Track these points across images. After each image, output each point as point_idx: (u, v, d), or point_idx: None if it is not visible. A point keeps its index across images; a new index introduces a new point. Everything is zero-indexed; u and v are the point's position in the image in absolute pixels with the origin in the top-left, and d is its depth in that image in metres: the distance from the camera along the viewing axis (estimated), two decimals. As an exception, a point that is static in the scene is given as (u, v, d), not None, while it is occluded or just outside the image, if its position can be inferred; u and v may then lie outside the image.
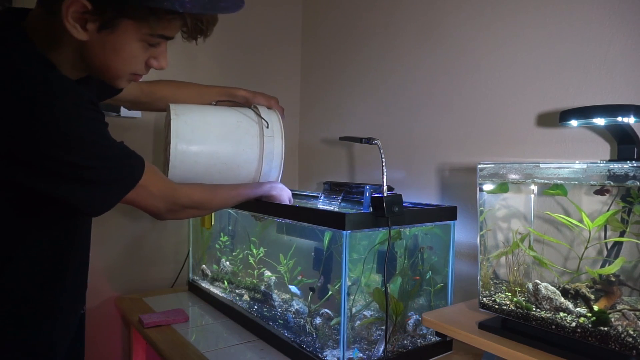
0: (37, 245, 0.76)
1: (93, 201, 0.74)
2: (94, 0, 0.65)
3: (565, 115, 0.94)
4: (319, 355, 1.08)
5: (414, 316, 1.19)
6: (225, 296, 1.54)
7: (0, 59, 0.65)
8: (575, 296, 0.82)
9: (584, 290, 0.81)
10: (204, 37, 0.80)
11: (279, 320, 1.28)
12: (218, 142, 1.21)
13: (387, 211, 1.01)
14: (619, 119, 0.88)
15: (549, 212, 0.91)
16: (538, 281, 0.86)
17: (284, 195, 1.23)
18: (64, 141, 0.66)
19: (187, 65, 1.81)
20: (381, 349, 1.07)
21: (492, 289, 0.96)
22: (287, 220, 1.22)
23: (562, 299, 0.82)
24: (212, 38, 2.09)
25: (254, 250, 1.44)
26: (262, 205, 1.26)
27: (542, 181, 0.90)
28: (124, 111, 1.63)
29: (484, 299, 0.95)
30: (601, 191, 0.84)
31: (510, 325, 0.88)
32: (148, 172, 0.83)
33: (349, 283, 1.08)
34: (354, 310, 1.17)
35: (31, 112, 0.63)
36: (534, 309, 0.85)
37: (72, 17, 0.66)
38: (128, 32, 0.70)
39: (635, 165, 0.75)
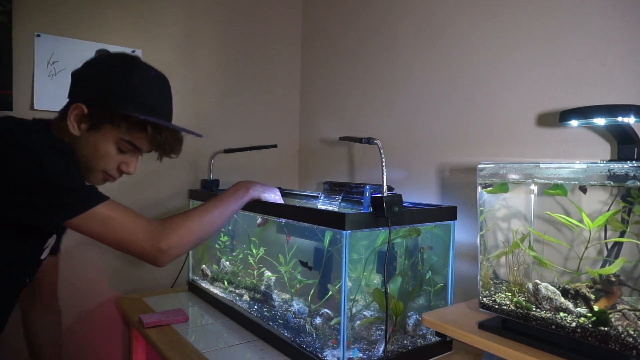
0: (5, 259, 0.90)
1: (51, 211, 0.82)
2: (90, 107, 0.90)
3: (565, 115, 0.94)
4: (319, 355, 1.08)
5: (414, 316, 1.19)
6: (225, 296, 1.54)
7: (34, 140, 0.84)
8: (575, 296, 0.82)
9: (584, 290, 0.81)
10: (168, 155, 1.00)
11: (279, 320, 1.28)
12: None
13: (387, 211, 1.00)
14: (619, 119, 0.88)
15: (549, 212, 0.91)
16: (538, 281, 0.86)
17: (269, 192, 1.21)
18: (34, 166, 0.80)
19: (187, 66, 1.81)
20: (381, 349, 1.07)
21: (492, 289, 0.96)
22: (288, 220, 1.22)
23: (562, 299, 0.82)
24: (212, 39, 2.10)
25: (254, 250, 1.44)
26: (262, 206, 1.26)
27: (542, 181, 0.90)
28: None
29: (484, 299, 0.95)
30: (583, 188, 0.85)
31: (510, 325, 0.88)
32: (115, 204, 0.87)
33: (350, 284, 1.08)
34: (354, 310, 1.17)
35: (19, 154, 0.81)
36: (534, 309, 0.85)
37: (73, 118, 0.91)
38: (107, 134, 0.92)
39: (635, 165, 0.75)
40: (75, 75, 0.96)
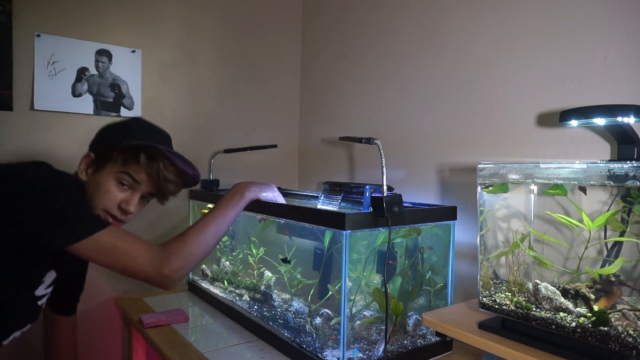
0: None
1: (53, 234, 0.85)
2: (96, 154, 1.01)
3: (565, 115, 0.94)
4: (319, 355, 1.08)
5: (414, 316, 1.19)
6: (225, 296, 1.54)
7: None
8: (575, 296, 0.82)
9: (584, 290, 0.81)
10: (166, 187, 1.05)
11: (279, 320, 1.28)
12: None
13: (387, 211, 1.01)
14: (619, 119, 0.88)
15: (549, 212, 0.91)
16: (538, 281, 0.86)
17: (267, 190, 1.21)
18: (49, 193, 0.87)
19: (187, 66, 1.81)
20: (381, 349, 1.07)
21: (492, 289, 0.96)
22: (288, 220, 1.22)
23: (562, 299, 0.82)
24: (213, 39, 2.10)
25: (254, 250, 1.44)
26: (262, 206, 1.26)
27: (542, 181, 0.90)
28: (124, 111, 1.63)
29: (484, 299, 0.95)
30: (583, 188, 0.85)
31: (510, 325, 0.88)
32: (116, 230, 0.90)
33: (349, 284, 1.08)
34: (354, 310, 1.17)
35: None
36: (534, 309, 0.85)
37: (83, 166, 1.02)
38: (108, 172, 1.00)
39: (635, 165, 0.75)
40: (92, 141, 1.07)
